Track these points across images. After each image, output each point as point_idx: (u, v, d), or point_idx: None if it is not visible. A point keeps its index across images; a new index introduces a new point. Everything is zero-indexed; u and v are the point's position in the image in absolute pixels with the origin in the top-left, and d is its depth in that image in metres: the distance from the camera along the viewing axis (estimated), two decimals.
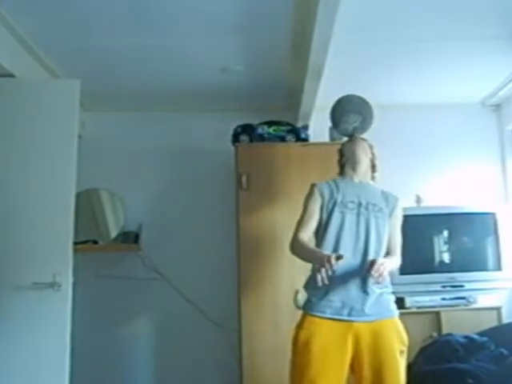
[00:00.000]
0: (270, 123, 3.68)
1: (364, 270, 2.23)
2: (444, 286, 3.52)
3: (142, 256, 3.93)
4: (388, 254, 2.42)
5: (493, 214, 3.65)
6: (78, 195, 3.02)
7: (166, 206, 4.07)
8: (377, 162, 2.60)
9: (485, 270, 3.58)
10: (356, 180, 2.53)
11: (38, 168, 2.86)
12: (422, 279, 3.53)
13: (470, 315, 3.46)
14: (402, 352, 2.25)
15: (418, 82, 3.72)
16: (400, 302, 3.48)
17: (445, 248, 3.68)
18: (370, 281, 2.21)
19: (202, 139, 4.10)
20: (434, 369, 2.89)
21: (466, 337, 3.07)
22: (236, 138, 3.64)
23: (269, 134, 3.64)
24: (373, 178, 2.58)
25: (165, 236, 4.01)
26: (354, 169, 2.52)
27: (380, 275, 2.13)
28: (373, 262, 2.18)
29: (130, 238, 3.91)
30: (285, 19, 2.77)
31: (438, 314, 3.45)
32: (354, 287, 2.24)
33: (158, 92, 3.83)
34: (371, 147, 2.60)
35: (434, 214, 3.65)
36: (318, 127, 3.79)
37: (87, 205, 3.90)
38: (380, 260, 2.20)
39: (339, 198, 2.40)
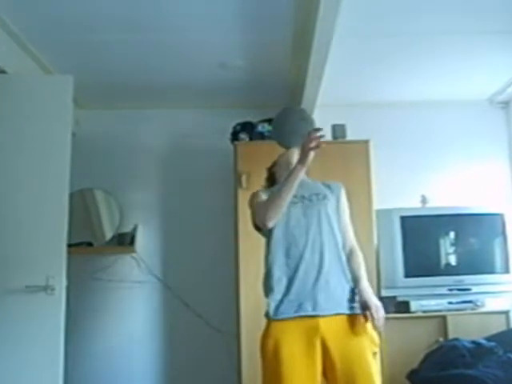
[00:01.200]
0: (270, 121, 3.68)
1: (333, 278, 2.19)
2: (450, 290, 3.52)
3: (137, 258, 3.93)
4: (350, 252, 2.29)
5: (501, 215, 3.65)
6: (71, 195, 3.02)
7: (162, 206, 4.07)
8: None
9: (492, 272, 3.58)
10: None
11: (31, 167, 2.86)
12: (427, 282, 3.52)
13: (478, 319, 3.45)
14: (374, 354, 2.16)
15: (424, 79, 3.71)
16: (405, 306, 3.49)
17: (451, 250, 3.68)
18: (330, 275, 2.18)
19: (200, 137, 4.09)
20: (440, 375, 2.89)
21: (474, 342, 3.07)
22: (235, 136, 3.64)
23: (269, 131, 3.63)
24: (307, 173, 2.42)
25: (161, 238, 4.01)
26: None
27: (382, 319, 2.13)
28: (369, 313, 2.13)
29: (125, 239, 3.91)
30: (286, 12, 2.77)
31: (444, 318, 3.45)
32: (312, 282, 2.17)
33: (154, 89, 3.83)
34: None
35: (440, 215, 3.65)
36: (320, 125, 3.74)
37: (81, 205, 3.90)
38: (373, 307, 2.13)
39: None
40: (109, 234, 3.92)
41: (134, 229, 3.95)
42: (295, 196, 2.26)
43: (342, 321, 2.16)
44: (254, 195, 2.40)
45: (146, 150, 4.10)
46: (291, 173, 2.20)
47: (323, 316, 2.14)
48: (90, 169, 3.95)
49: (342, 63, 3.28)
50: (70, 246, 2.97)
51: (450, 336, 3.35)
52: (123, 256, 3.92)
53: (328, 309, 2.16)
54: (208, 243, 3.96)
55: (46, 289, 2.72)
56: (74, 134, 3.23)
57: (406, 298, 3.50)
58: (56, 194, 2.85)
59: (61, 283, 2.75)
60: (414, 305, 3.50)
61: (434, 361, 3.04)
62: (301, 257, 2.18)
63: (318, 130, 2.14)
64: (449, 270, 3.62)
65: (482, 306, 3.56)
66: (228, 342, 3.71)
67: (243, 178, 3.47)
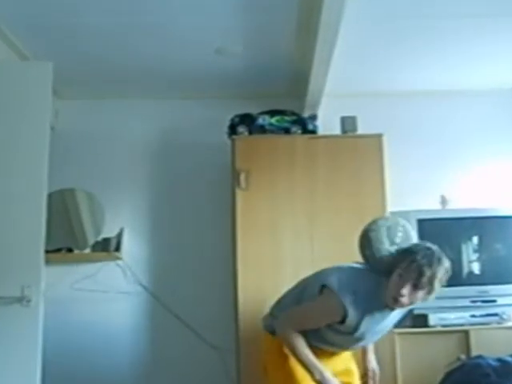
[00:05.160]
0: (272, 113, 3.69)
1: None
2: (473, 301, 3.52)
3: (123, 266, 3.93)
4: None
5: None
6: (50, 196, 3.02)
7: (151, 208, 4.07)
8: None
9: None
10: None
11: (3, 164, 2.85)
12: (447, 293, 3.42)
13: (504, 334, 3.45)
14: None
15: (443, 66, 3.72)
16: (422, 320, 3.49)
17: (474, 257, 3.68)
18: None
19: (193, 131, 4.10)
20: None
21: (499, 359, 3.06)
22: (233, 129, 3.65)
23: (271, 125, 3.64)
24: None
25: (150, 243, 4.01)
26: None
27: None
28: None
29: (110, 245, 3.90)
30: None
31: (466, 333, 3.45)
32: None
33: (143, 76, 3.83)
34: None
35: (462, 218, 3.65)
36: (328, 117, 3.80)
37: (61, 207, 3.90)
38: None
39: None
40: (91, 239, 3.92)
41: (120, 233, 3.95)
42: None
43: None
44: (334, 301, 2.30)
45: (132, 145, 4.10)
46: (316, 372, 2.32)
47: None
48: (70, 166, 3.95)
49: (352, 48, 3.28)
50: (47, 252, 2.98)
51: (473, 353, 3.34)
52: (107, 263, 3.92)
53: None
54: (202, 249, 3.96)
55: (21, 300, 2.71)
56: (52, 128, 3.23)
57: (423, 311, 3.48)
58: (32, 195, 2.85)
59: (37, 294, 2.74)
60: (433, 318, 3.49)
61: (455, 381, 3.04)
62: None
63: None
64: (472, 280, 3.62)
65: (509, 319, 3.55)
66: (225, 359, 3.71)
67: (242, 177, 3.47)
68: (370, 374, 2.69)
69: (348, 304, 2.22)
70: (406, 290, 2.17)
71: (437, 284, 2.17)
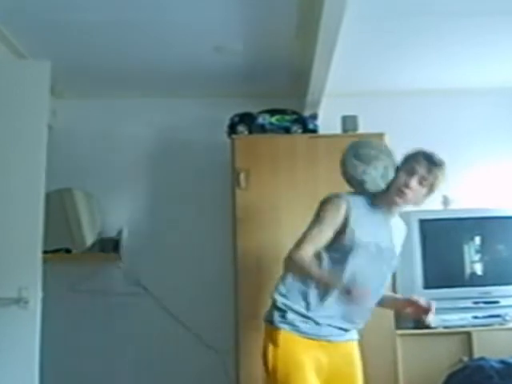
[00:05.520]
0: (272, 112, 3.68)
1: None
2: (476, 302, 3.52)
3: (122, 267, 3.93)
4: None
5: None
6: (47, 196, 3.01)
7: (150, 208, 4.07)
8: None
9: None
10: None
11: (1, 163, 2.85)
12: (449, 294, 3.52)
13: (507, 336, 3.45)
14: None
15: (446, 64, 3.71)
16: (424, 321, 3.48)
17: (477, 258, 3.68)
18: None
19: (192, 130, 4.10)
20: None
21: (502, 361, 3.06)
22: (233, 128, 3.64)
23: (271, 124, 3.64)
24: None
25: (149, 244, 4.01)
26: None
27: None
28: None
29: (108, 245, 3.91)
30: None
31: (468, 334, 3.45)
32: None
33: (141, 75, 3.82)
34: None
35: (464, 218, 3.65)
36: (329, 116, 3.79)
37: (59, 207, 3.90)
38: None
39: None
40: (90, 240, 3.92)
41: (119, 234, 3.95)
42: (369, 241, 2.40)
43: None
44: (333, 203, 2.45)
45: (131, 144, 4.10)
46: (325, 279, 2.35)
47: None
48: (68, 166, 3.94)
49: (353, 47, 3.27)
50: (45, 253, 2.97)
51: (476, 355, 3.35)
52: (106, 265, 3.92)
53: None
54: (202, 250, 3.96)
55: (19, 302, 2.71)
56: (50, 127, 3.23)
57: None
58: (30, 195, 2.85)
59: (35, 295, 2.74)
60: (435, 319, 3.49)
61: (458, 383, 3.04)
62: None
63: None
64: (474, 281, 3.62)
65: None
66: (224, 360, 3.71)
67: (241, 177, 3.46)
68: (414, 299, 2.49)
69: (345, 196, 2.42)
70: (414, 183, 2.39)
71: (436, 185, 2.41)
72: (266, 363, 2.43)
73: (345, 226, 2.37)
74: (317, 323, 2.38)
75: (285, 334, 2.38)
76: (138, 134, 4.11)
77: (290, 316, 2.39)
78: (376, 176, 2.42)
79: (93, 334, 3.88)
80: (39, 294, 2.77)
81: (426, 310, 2.43)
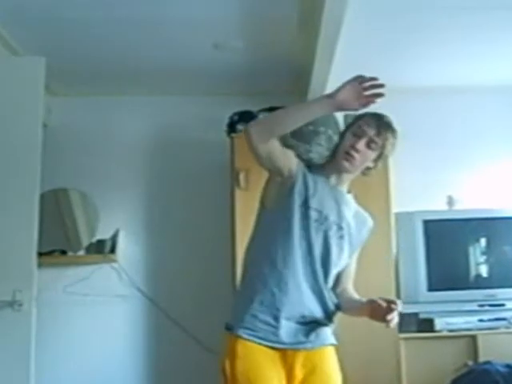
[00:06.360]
0: (272, 110, 3.67)
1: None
2: (481, 305, 3.52)
3: (118, 269, 3.93)
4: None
5: None
6: (42, 196, 3.01)
7: (147, 209, 4.07)
8: None
9: None
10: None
11: None
12: (454, 297, 3.52)
13: None
14: None
15: (451, 60, 3.70)
16: (428, 324, 3.49)
17: (482, 259, 3.68)
18: None
19: (191, 129, 4.10)
20: None
21: (508, 365, 3.07)
22: (232, 127, 3.64)
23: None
24: None
25: (146, 245, 4.01)
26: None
27: None
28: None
29: (104, 247, 3.91)
30: None
31: (473, 338, 3.45)
32: None
33: (138, 72, 3.82)
34: None
35: (470, 219, 3.65)
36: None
37: (54, 208, 3.90)
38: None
39: None
40: (85, 241, 3.92)
41: (115, 234, 3.95)
42: (319, 211, 2.23)
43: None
44: None
45: (128, 143, 4.10)
46: (311, 102, 2.19)
47: None
48: (63, 165, 3.95)
49: (355, 43, 3.26)
50: (40, 254, 2.97)
51: (481, 359, 3.35)
52: (102, 266, 3.91)
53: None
54: (200, 251, 3.96)
55: (13, 304, 2.70)
56: (45, 125, 3.23)
57: (429, 315, 3.49)
58: (24, 195, 2.85)
59: (29, 298, 2.74)
60: (439, 323, 3.49)
61: None
62: None
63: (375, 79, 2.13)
64: (479, 283, 3.63)
65: None
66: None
67: (241, 176, 3.46)
68: (379, 302, 2.04)
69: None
70: (361, 145, 2.21)
71: (387, 149, 2.24)
72: None
73: (293, 184, 2.22)
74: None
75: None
76: (135, 132, 4.11)
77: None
78: (322, 151, 2.33)
79: (88, 337, 3.87)
80: (33, 297, 2.76)
81: (387, 310, 2.00)
